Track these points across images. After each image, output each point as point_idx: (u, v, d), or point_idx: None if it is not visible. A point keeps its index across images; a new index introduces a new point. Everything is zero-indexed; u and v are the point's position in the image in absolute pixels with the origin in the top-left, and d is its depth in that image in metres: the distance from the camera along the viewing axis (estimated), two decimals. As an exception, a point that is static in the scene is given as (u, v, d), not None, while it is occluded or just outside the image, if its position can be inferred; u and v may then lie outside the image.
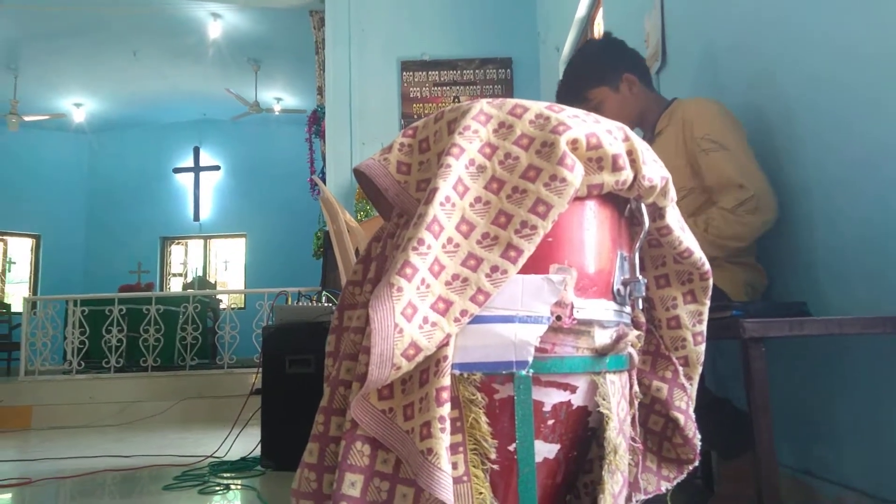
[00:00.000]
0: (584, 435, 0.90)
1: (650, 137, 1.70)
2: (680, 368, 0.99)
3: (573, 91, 1.72)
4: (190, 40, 7.50)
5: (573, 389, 0.85)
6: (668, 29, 2.30)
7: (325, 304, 2.77)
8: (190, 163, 10.34)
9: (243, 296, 9.49)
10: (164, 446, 3.29)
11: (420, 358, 0.77)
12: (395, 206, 0.90)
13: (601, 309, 0.87)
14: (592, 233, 0.88)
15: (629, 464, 0.93)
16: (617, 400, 0.89)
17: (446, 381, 0.77)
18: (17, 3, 6.55)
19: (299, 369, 2.57)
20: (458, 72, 5.16)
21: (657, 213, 0.93)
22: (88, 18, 7.01)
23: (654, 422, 1.00)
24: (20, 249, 9.99)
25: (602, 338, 0.87)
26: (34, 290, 9.73)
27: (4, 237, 9.84)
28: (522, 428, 0.82)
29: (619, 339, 0.88)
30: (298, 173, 7.74)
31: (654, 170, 0.89)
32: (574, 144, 0.83)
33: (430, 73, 5.14)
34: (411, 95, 5.12)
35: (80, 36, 7.38)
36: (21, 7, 6.66)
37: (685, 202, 1.55)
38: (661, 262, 0.99)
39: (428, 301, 0.78)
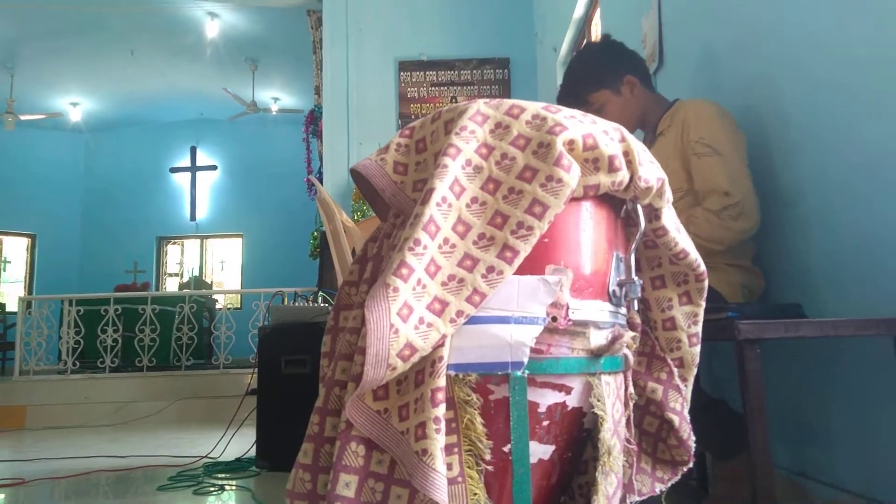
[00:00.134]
0: (578, 436, 0.90)
1: (652, 138, 1.71)
2: (675, 370, 0.99)
3: (574, 95, 1.72)
4: (187, 40, 7.49)
5: (568, 390, 0.85)
6: (665, 30, 2.31)
7: (322, 305, 2.77)
8: (187, 162, 10.32)
9: (239, 296, 9.47)
10: (159, 447, 3.28)
11: (415, 358, 0.77)
12: (392, 206, 0.90)
13: (597, 310, 0.87)
14: (588, 234, 0.88)
15: (624, 465, 0.93)
16: (612, 401, 0.89)
17: (442, 381, 0.77)
18: (14, 1, 6.53)
19: (295, 370, 2.57)
20: (456, 72, 5.16)
21: (653, 214, 0.93)
22: (85, 17, 6.99)
23: (648, 423, 1.00)
24: (15, 249, 9.95)
25: (597, 339, 0.87)
26: (29, 290, 9.70)
27: (0, 236, 9.81)
28: (517, 429, 0.82)
29: (615, 340, 0.88)
30: (295, 173, 7.74)
31: (651, 171, 0.89)
32: (570, 145, 0.83)
33: (427, 73, 5.14)
34: (409, 95, 5.12)
35: (77, 35, 7.36)
36: (18, 6, 6.64)
37: (680, 204, 1.55)
38: (657, 263, 0.99)
39: (424, 301, 0.77)
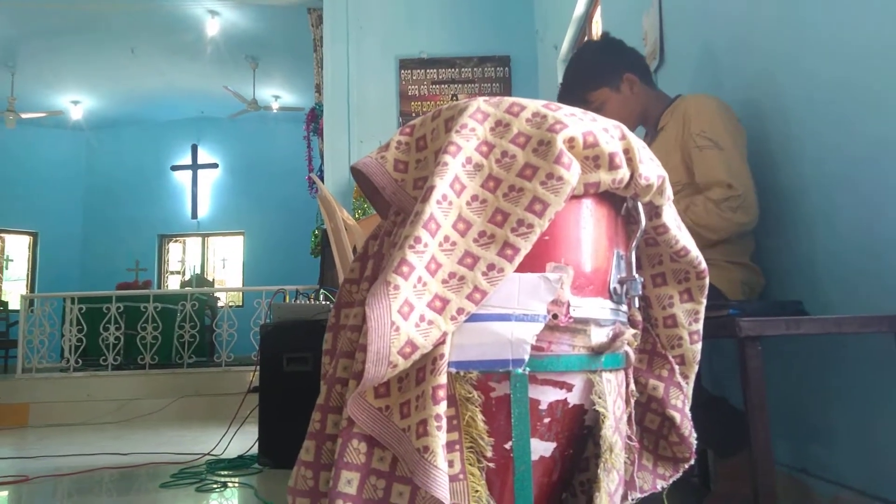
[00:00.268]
0: (580, 433, 0.90)
1: (653, 134, 1.71)
2: (676, 367, 0.99)
3: (574, 93, 1.72)
4: (188, 37, 7.48)
5: (569, 388, 0.85)
6: (666, 27, 2.30)
7: (323, 303, 2.77)
8: (188, 160, 10.33)
9: (241, 294, 9.49)
10: (162, 444, 3.29)
11: (416, 356, 0.77)
12: (392, 203, 0.90)
13: (597, 307, 0.87)
14: (589, 231, 0.88)
15: (625, 462, 0.93)
16: (613, 398, 0.89)
17: (443, 379, 0.77)
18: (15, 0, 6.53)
19: (297, 367, 2.57)
20: (457, 70, 5.15)
21: (654, 211, 0.93)
22: (86, 15, 6.99)
23: (650, 420, 1.00)
24: (18, 247, 9.97)
25: (598, 336, 0.87)
26: (31, 288, 9.72)
27: (2, 234, 9.82)
28: (518, 426, 0.82)
29: (616, 337, 0.88)
30: (296, 171, 7.74)
31: (651, 168, 0.89)
32: (571, 143, 0.83)
33: (428, 70, 5.14)
34: (409, 93, 5.12)
35: (78, 33, 7.36)
36: (18, 4, 6.64)
37: (679, 197, 1.55)
38: (658, 260, 0.99)
39: (424, 299, 0.78)
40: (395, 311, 0.75)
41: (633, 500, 0.97)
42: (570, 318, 0.84)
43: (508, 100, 0.87)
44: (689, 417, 0.98)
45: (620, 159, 0.85)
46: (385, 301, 0.75)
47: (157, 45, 7.71)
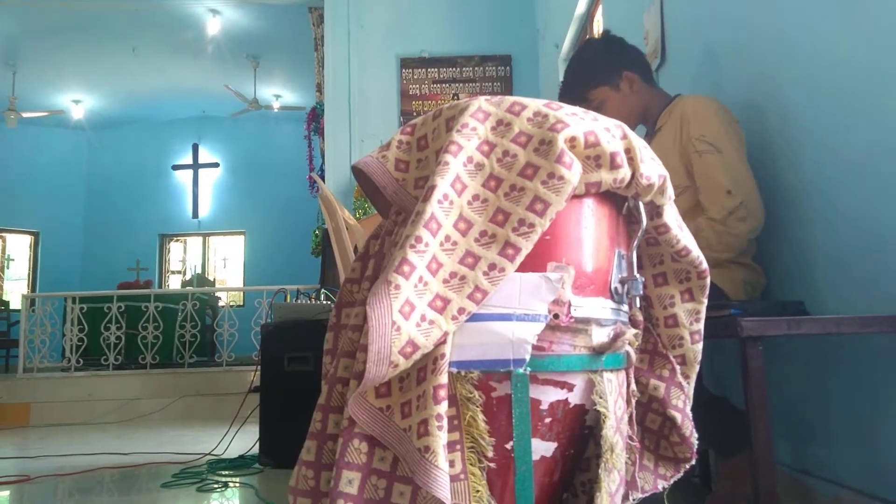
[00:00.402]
0: (581, 433, 0.90)
1: (652, 133, 1.71)
2: (677, 367, 0.99)
3: (574, 92, 1.72)
4: (189, 36, 7.49)
5: (570, 388, 0.85)
6: (667, 26, 2.30)
7: (324, 302, 2.77)
8: (189, 160, 10.33)
9: (242, 293, 9.49)
10: (163, 444, 3.29)
11: (417, 356, 0.77)
12: (393, 203, 0.90)
13: (599, 307, 0.87)
14: (590, 231, 0.88)
15: (626, 462, 0.93)
16: (614, 398, 0.89)
17: (444, 378, 0.77)
18: (16, -1, 6.54)
19: (298, 367, 2.58)
20: (458, 69, 5.15)
21: (655, 211, 0.92)
22: (87, 14, 7.00)
23: (651, 420, 1.00)
24: (19, 246, 9.98)
25: (599, 336, 0.87)
26: (33, 287, 9.72)
27: (3, 234, 9.83)
28: (519, 426, 0.82)
29: (617, 337, 0.88)
30: (297, 171, 7.74)
31: (652, 168, 0.89)
32: (572, 142, 0.83)
33: (429, 70, 5.14)
34: (410, 93, 5.12)
35: (79, 32, 7.36)
36: (20, 3, 6.64)
37: (680, 200, 1.55)
38: (659, 260, 0.99)
39: (426, 299, 0.78)
40: (396, 310, 0.75)
41: (634, 500, 0.97)
42: (572, 317, 0.84)
43: (509, 99, 0.87)
44: (691, 417, 0.98)
45: (622, 159, 0.85)
46: (386, 301, 0.75)
47: (159, 44, 7.72)
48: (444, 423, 0.76)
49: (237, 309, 6.81)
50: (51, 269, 9.75)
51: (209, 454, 2.75)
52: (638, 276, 0.91)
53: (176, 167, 10.34)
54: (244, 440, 2.79)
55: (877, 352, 1.24)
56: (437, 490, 0.73)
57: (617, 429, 0.88)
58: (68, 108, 9.28)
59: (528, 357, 0.81)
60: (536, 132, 0.83)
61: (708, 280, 0.99)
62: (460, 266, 0.80)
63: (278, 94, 9.15)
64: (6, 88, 8.23)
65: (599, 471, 0.86)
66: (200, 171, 10.30)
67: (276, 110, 9.13)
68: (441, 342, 0.78)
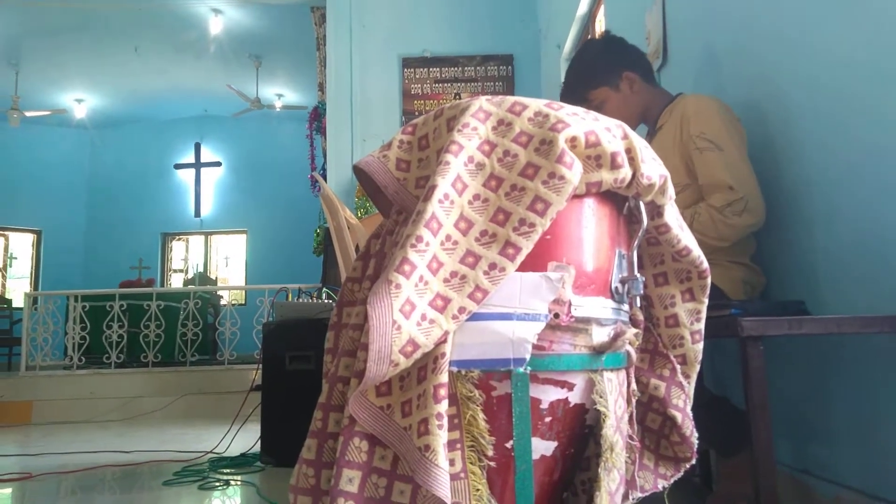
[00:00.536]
0: (581, 432, 0.90)
1: (653, 132, 1.71)
2: (678, 366, 0.99)
3: (575, 92, 1.73)
4: (191, 36, 7.49)
5: (570, 387, 0.85)
6: (669, 27, 2.30)
7: (326, 301, 2.78)
8: (191, 159, 10.34)
9: (244, 292, 9.50)
10: (165, 442, 3.30)
11: (418, 355, 0.77)
12: (394, 203, 0.90)
13: (599, 307, 0.87)
14: (591, 230, 0.88)
15: (626, 461, 0.93)
16: (614, 398, 0.89)
17: (444, 378, 0.77)
18: (19, -2, 6.55)
19: (299, 366, 2.58)
20: (460, 68, 5.15)
21: (655, 211, 0.93)
22: (90, 14, 7.01)
23: (651, 420, 1.00)
24: (21, 245, 10.00)
25: (600, 335, 0.87)
26: (35, 286, 9.74)
27: (5, 232, 9.85)
28: (520, 425, 0.82)
29: (617, 336, 0.88)
30: (299, 170, 7.75)
31: (653, 168, 0.89)
32: (573, 142, 0.83)
33: (431, 69, 5.14)
34: (412, 92, 5.12)
35: (82, 31, 7.37)
36: (23, 3, 6.65)
37: (680, 198, 1.55)
38: (660, 260, 0.99)
39: (426, 298, 0.78)
40: (396, 309, 0.75)
41: (634, 499, 0.97)
42: (572, 317, 0.84)
43: (510, 99, 0.87)
44: (691, 417, 0.98)
45: (622, 159, 0.85)
46: (387, 300, 0.75)
47: (161, 43, 7.73)
48: (445, 421, 0.76)
49: (239, 307, 6.81)
50: (53, 267, 9.76)
51: (211, 452, 2.75)
52: (638, 275, 0.91)
53: (178, 166, 10.36)
54: (246, 438, 2.79)
55: (877, 352, 1.24)
56: (438, 489, 0.73)
57: (617, 428, 0.88)
58: (71, 107, 9.29)
59: (528, 356, 0.81)
60: (537, 132, 0.83)
61: (709, 280, 0.99)
62: (461, 265, 0.80)
63: (280, 93, 9.16)
64: (9, 87, 8.25)
65: (599, 470, 0.86)
66: (203, 170, 10.31)
67: (278, 110, 9.13)
68: (441, 341, 0.78)
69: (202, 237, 10.54)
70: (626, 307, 0.93)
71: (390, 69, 5.13)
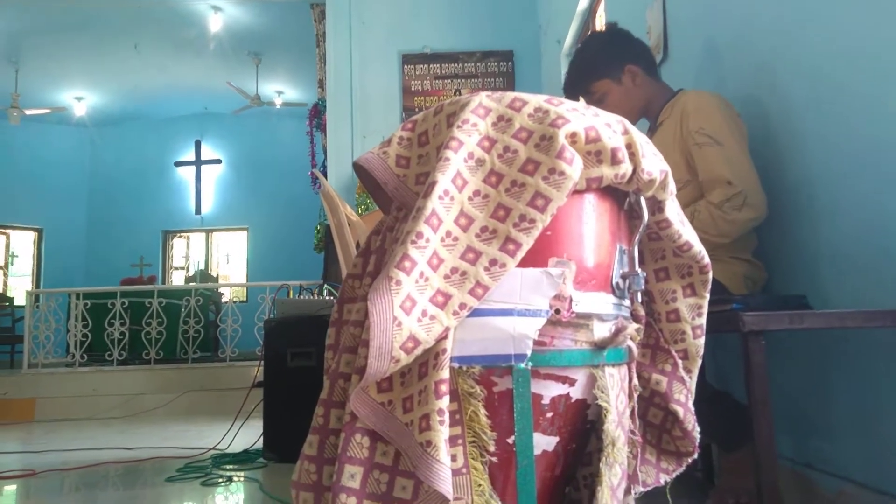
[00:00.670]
0: (582, 427, 0.90)
1: (654, 128, 1.70)
2: (679, 361, 0.99)
3: (577, 84, 1.72)
4: (191, 33, 7.48)
5: (572, 382, 0.85)
6: (669, 22, 2.29)
7: (327, 298, 2.78)
8: (191, 156, 10.34)
9: (245, 289, 9.50)
10: (167, 438, 3.31)
11: (419, 351, 0.77)
12: (394, 199, 0.90)
13: (600, 302, 0.87)
14: (591, 226, 0.88)
15: (628, 456, 0.93)
16: (616, 393, 0.89)
17: (445, 373, 0.77)
18: (18, -4, 6.54)
19: (301, 362, 2.58)
20: (460, 65, 5.14)
21: (656, 206, 0.92)
22: (89, 11, 7.00)
23: (653, 414, 1.00)
24: (22, 243, 10.00)
25: (601, 331, 0.87)
26: (37, 284, 9.76)
27: (7, 231, 9.86)
28: (521, 420, 0.82)
29: (618, 332, 0.88)
30: (300, 167, 7.74)
31: (654, 163, 0.89)
32: (573, 138, 0.83)
33: (431, 65, 5.13)
34: (412, 88, 5.11)
35: (82, 29, 7.36)
36: (23, 1, 6.64)
37: (681, 194, 1.55)
38: (661, 255, 0.99)
39: (427, 294, 0.78)
40: (397, 306, 0.75)
41: (636, 494, 0.97)
42: (573, 312, 0.84)
43: (510, 95, 0.87)
44: (693, 412, 0.98)
45: (623, 154, 0.85)
46: (387, 296, 0.75)
47: (161, 41, 7.72)
48: (446, 417, 0.76)
49: (240, 305, 6.81)
50: (55, 265, 9.77)
51: (213, 449, 2.76)
52: (639, 271, 0.91)
53: (178, 164, 10.35)
54: (248, 435, 2.80)
55: (880, 346, 1.24)
56: (439, 484, 0.73)
57: (619, 423, 0.88)
58: (71, 105, 9.29)
59: (529, 352, 0.81)
60: (537, 128, 0.83)
61: (710, 275, 0.99)
62: (461, 261, 0.80)
63: (280, 90, 9.15)
64: (9, 85, 8.24)
65: (601, 465, 0.86)
66: (203, 167, 10.31)
67: (278, 107, 9.12)
68: (442, 337, 0.78)
69: (203, 234, 10.54)
70: (627, 302, 0.93)
71: (390, 66, 5.12)
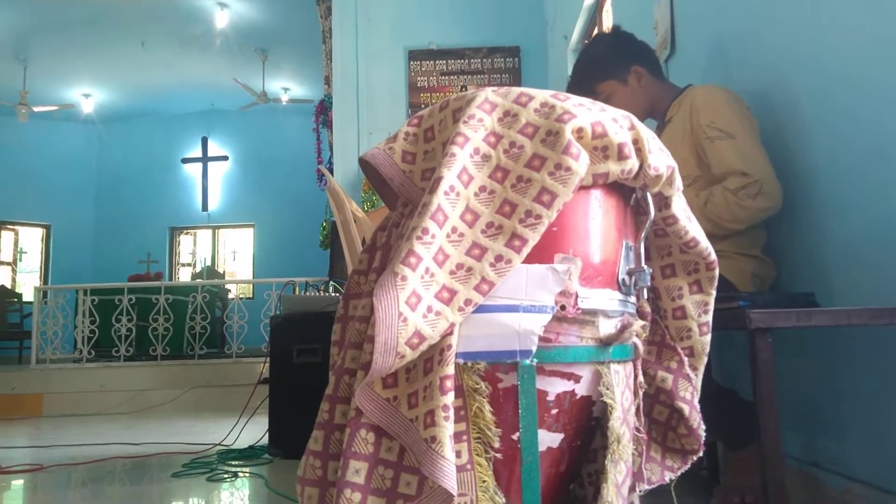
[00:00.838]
0: (587, 424, 0.90)
1: (662, 125, 1.70)
2: (685, 359, 0.98)
3: (582, 85, 1.73)
4: (197, 30, 7.50)
5: (577, 379, 0.85)
6: (677, 17, 2.28)
7: (333, 294, 2.78)
8: (198, 153, 10.37)
9: (251, 285, 9.53)
10: (173, 434, 3.32)
11: (424, 347, 0.77)
12: (400, 195, 0.90)
13: (606, 299, 0.87)
14: (597, 222, 0.87)
15: (633, 454, 0.93)
16: (621, 390, 0.88)
17: (450, 370, 0.77)
18: (26, -7, 6.57)
19: (307, 359, 2.59)
20: (466, 61, 5.13)
21: (663, 202, 0.92)
22: (97, 8, 7.03)
23: (658, 412, 1.00)
24: (31, 239, 10.07)
25: (606, 327, 0.87)
26: (45, 280, 9.82)
27: (15, 227, 9.93)
28: (526, 417, 0.82)
29: (624, 328, 0.88)
30: (306, 163, 7.76)
31: (660, 159, 0.88)
32: (579, 133, 0.82)
33: (437, 62, 5.12)
34: (419, 85, 5.10)
35: (89, 26, 7.39)
36: (30, -3, 6.68)
37: (690, 191, 1.54)
38: (667, 251, 0.99)
39: (432, 290, 0.78)
40: (402, 301, 0.75)
41: (641, 491, 0.97)
42: (579, 309, 0.84)
43: (517, 90, 0.87)
44: (698, 409, 0.98)
45: (629, 149, 0.85)
46: (393, 292, 0.75)
47: (167, 37, 7.74)
48: (451, 413, 0.76)
49: (247, 301, 6.83)
50: (62, 261, 9.84)
51: (219, 445, 2.77)
52: (646, 267, 0.91)
53: (185, 160, 10.39)
54: (253, 431, 2.81)
55: (888, 344, 1.23)
56: (444, 480, 0.73)
57: (624, 420, 0.88)
58: (78, 102, 9.33)
59: (534, 348, 0.81)
60: (543, 123, 0.83)
61: (716, 272, 0.98)
62: (467, 257, 0.79)
63: (287, 87, 9.16)
64: (17, 83, 8.29)
65: (606, 462, 0.86)
66: (210, 164, 10.34)
67: (284, 103, 9.14)
68: (448, 333, 0.78)
69: (210, 231, 10.58)
70: (633, 299, 0.93)
71: (396, 62, 5.11)
